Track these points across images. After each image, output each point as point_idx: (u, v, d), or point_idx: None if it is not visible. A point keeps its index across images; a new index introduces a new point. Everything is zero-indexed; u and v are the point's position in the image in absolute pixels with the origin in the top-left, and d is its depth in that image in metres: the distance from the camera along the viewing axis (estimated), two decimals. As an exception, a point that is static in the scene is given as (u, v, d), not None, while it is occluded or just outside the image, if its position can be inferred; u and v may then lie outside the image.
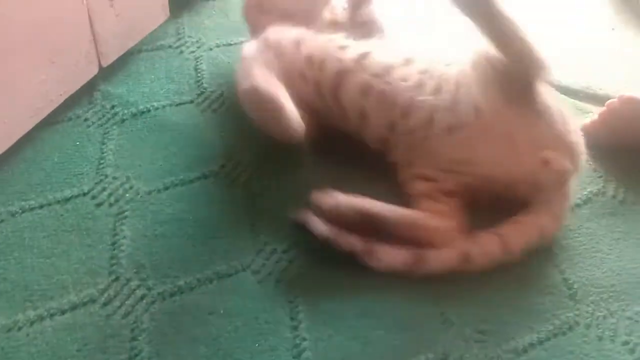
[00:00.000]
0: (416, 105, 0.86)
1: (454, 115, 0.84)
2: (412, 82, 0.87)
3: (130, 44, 1.11)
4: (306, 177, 0.93)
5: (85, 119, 1.00)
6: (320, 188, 0.83)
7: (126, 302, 0.77)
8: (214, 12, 1.26)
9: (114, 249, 0.82)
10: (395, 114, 0.87)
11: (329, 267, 0.82)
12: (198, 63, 1.13)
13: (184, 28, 1.20)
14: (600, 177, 0.95)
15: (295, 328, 0.75)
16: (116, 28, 1.05)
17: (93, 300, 0.76)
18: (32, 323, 0.74)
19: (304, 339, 0.74)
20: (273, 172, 0.94)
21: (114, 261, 0.81)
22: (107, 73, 1.07)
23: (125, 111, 1.02)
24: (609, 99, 0.97)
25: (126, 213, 0.87)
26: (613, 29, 1.26)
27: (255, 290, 0.79)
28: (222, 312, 0.76)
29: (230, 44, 1.18)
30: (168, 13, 1.18)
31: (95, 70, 1.04)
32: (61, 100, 0.99)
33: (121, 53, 1.09)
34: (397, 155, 0.90)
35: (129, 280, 0.79)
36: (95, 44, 1.01)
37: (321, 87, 0.90)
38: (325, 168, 0.94)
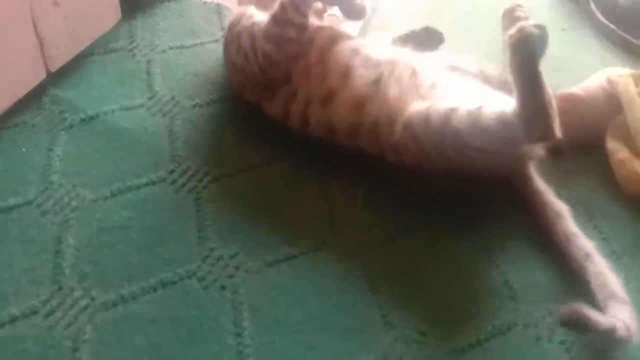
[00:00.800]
0: None
1: None
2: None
3: (81, 47, 1.09)
4: (257, 181, 0.93)
5: (33, 125, 0.99)
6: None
7: (69, 313, 0.77)
8: (168, 13, 1.25)
9: (57, 259, 0.82)
10: None
11: (274, 273, 0.82)
12: (150, 66, 1.12)
13: (137, 30, 1.19)
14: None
15: (239, 335, 0.76)
16: (64, 31, 1.03)
17: (35, 312, 0.76)
18: (-30, 336, 0.74)
19: (247, 346, 0.75)
20: (221, 177, 0.94)
21: (57, 271, 0.81)
22: (56, 77, 1.06)
23: (74, 116, 1.01)
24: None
25: (71, 221, 0.86)
26: (563, 29, 1.28)
27: (200, 298, 0.79)
28: (165, 320, 0.77)
29: (185, 46, 1.18)
30: (120, 15, 1.17)
31: (43, 75, 1.03)
32: (7, 106, 0.98)
33: (71, 56, 1.08)
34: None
35: (72, 290, 0.79)
36: (41, 48, 1.00)
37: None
38: (272, 171, 0.95)
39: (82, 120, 1.01)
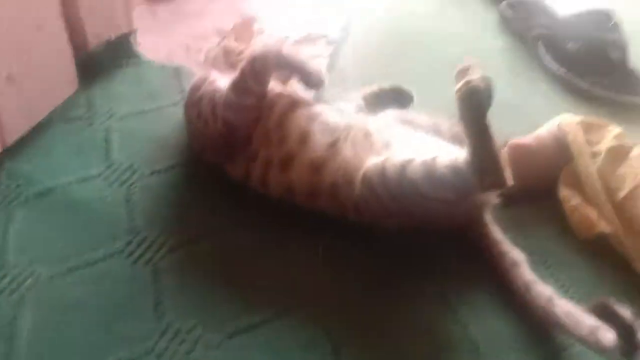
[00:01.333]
0: None
1: None
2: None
3: (37, 119, 1.10)
4: (215, 249, 0.93)
5: (-13, 202, 0.99)
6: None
7: (23, 399, 0.75)
8: (126, 79, 1.27)
9: (12, 341, 0.80)
10: None
11: (235, 345, 0.82)
12: (108, 134, 1.13)
13: (94, 98, 1.20)
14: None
15: (197, 412, 0.75)
16: (18, 105, 1.04)
17: (-13, 400, 0.74)
18: None
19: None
20: (179, 246, 0.94)
21: (12, 355, 0.79)
22: (13, 150, 1.06)
23: (30, 190, 1.01)
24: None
25: (26, 300, 0.85)
26: (517, 74, 1.32)
27: (158, 377, 0.78)
28: (122, 402, 0.75)
29: (143, 111, 1.19)
30: (77, 84, 1.18)
31: (-3, 150, 1.03)
32: (-38, 182, 0.97)
33: (27, 128, 1.08)
34: None
35: (27, 374, 0.77)
36: (-3, 125, 1.00)
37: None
38: (231, 238, 0.95)
39: (39, 195, 1.00)
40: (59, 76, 1.14)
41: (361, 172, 0.89)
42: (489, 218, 0.95)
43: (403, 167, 0.85)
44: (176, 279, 0.89)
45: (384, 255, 0.92)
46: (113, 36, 1.27)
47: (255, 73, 0.94)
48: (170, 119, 1.17)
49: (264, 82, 0.96)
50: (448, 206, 0.88)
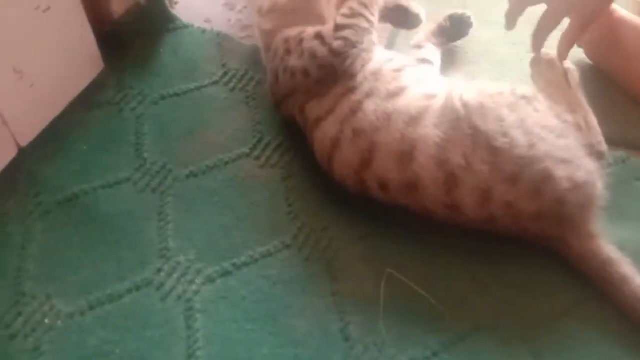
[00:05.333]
0: None
1: None
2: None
3: (56, 112, 0.95)
4: (260, 280, 0.78)
5: (4, 214, 0.86)
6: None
7: None
8: (160, 50, 1.09)
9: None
10: None
11: None
12: (139, 124, 0.97)
13: (124, 76, 1.04)
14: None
15: None
16: (32, 100, 0.89)
17: None
18: None
19: None
20: (217, 276, 0.79)
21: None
22: (29, 151, 0.92)
23: (50, 199, 0.88)
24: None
25: (43, 348, 0.74)
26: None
27: None
28: None
29: (179, 94, 1.02)
30: (102, 64, 1.01)
31: (13, 153, 0.89)
32: (-25, 194, 0.85)
33: (44, 124, 0.93)
34: None
35: None
36: (7, 125, 0.86)
37: None
38: (279, 265, 0.79)
39: (59, 204, 0.87)
40: (79, 61, 0.97)
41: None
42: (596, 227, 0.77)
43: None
44: (211, 322, 0.75)
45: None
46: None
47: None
48: (208, 103, 1.00)
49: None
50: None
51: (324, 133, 0.84)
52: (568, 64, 0.88)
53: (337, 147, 0.82)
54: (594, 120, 0.82)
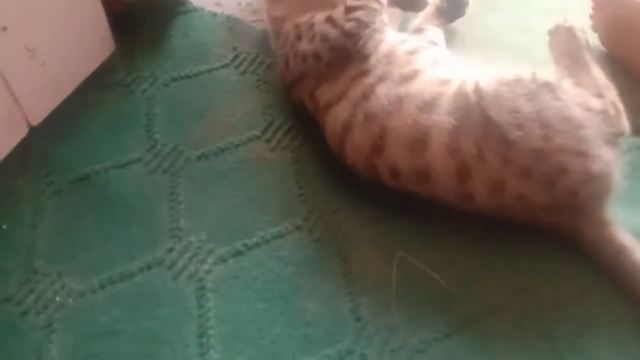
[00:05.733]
0: None
1: None
2: None
3: (67, 91, 0.95)
4: (270, 261, 0.78)
5: (16, 193, 0.86)
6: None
7: None
8: (171, 33, 1.08)
9: (36, 379, 0.70)
10: None
11: None
12: (150, 106, 0.97)
13: (135, 58, 1.04)
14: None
15: None
16: (43, 79, 0.89)
17: None
18: None
19: None
20: (228, 256, 0.79)
21: (36, 395, 0.69)
22: (41, 130, 0.92)
23: (61, 179, 0.88)
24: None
25: (55, 325, 0.74)
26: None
27: None
28: None
29: (189, 76, 1.01)
30: (113, 45, 1.01)
31: (24, 132, 0.89)
32: (-15, 171, 0.85)
33: (56, 103, 0.93)
34: None
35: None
36: (18, 104, 0.86)
37: None
38: (289, 246, 0.79)
39: (71, 183, 0.87)
40: (90, 41, 0.97)
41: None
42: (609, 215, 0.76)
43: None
44: (223, 301, 0.75)
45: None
46: (155, -19, 1.08)
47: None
48: (219, 86, 1.00)
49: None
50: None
51: (336, 117, 0.83)
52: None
53: (348, 131, 0.82)
54: (619, 102, 0.81)
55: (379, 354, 0.70)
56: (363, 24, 0.84)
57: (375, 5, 0.86)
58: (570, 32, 0.87)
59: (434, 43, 0.95)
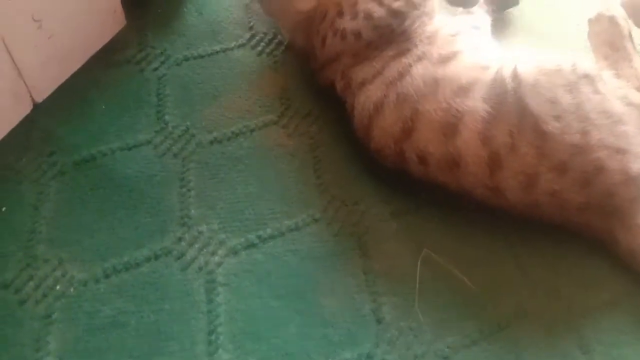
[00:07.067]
0: None
1: None
2: None
3: (74, 67, 0.90)
4: (284, 253, 0.73)
5: (18, 172, 0.81)
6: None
7: None
8: (185, 10, 1.03)
9: (34, 371, 0.65)
10: None
11: None
12: (161, 86, 0.92)
13: (146, 34, 0.98)
14: None
15: None
16: (50, 53, 0.84)
17: None
18: None
19: None
20: (240, 248, 0.74)
21: (32, 389, 0.64)
22: (45, 107, 0.87)
23: (66, 159, 0.83)
24: None
25: (54, 315, 0.69)
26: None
27: None
28: None
29: (203, 56, 0.96)
30: (124, 21, 0.95)
31: (28, 109, 0.84)
32: (-14, 148, 0.80)
33: (62, 79, 0.88)
34: None
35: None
36: (22, 79, 0.81)
37: None
38: (306, 239, 0.74)
39: (76, 164, 0.82)
40: (101, 14, 0.91)
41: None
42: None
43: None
44: (234, 296, 0.70)
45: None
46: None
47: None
48: (234, 67, 0.95)
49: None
50: None
51: (368, 96, 0.79)
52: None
53: (379, 112, 0.77)
54: None
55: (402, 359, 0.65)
56: (412, 4, 0.80)
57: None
58: (612, 21, 0.82)
59: (477, 28, 0.90)
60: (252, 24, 1.01)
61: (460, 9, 0.93)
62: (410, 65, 0.77)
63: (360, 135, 0.80)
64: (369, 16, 0.81)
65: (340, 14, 0.84)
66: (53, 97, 0.87)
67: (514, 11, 1.00)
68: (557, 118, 0.69)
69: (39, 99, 0.85)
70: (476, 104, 0.72)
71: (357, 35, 0.81)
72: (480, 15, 0.94)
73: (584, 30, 0.87)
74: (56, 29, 0.83)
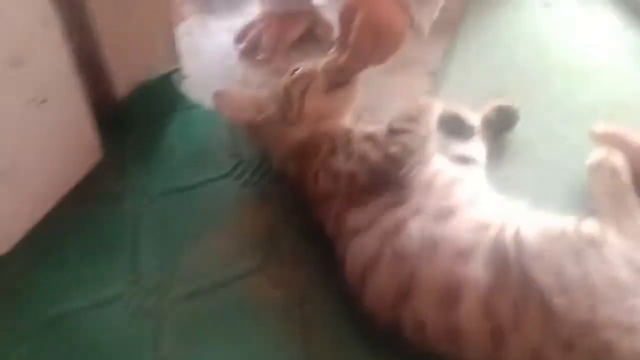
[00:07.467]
0: None
1: None
2: None
3: (46, 209, 0.84)
4: None
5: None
6: None
7: None
8: (166, 132, 0.98)
9: None
10: None
11: None
12: (137, 226, 0.85)
13: (125, 167, 0.93)
14: None
15: None
16: (17, 204, 0.78)
17: None
18: None
19: None
20: None
21: None
22: (11, 260, 0.80)
23: (28, 323, 0.75)
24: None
25: None
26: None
27: None
28: None
29: (185, 189, 0.90)
30: (100, 154, 0.90)
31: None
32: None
33: (29, 227, 0.82)
34: None
35: None
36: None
37: None
38: None
39: (39, 326, 0.75)
40: (74, 151, 0.86)
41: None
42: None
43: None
44: None
45: None
46: (150, 77, 0.97)
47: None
48: (216, 201, 0.89)
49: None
50: None
51: (362, 248, 0.73)
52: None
53: (373, 269, 0.71)
54: None
55: None
56: (408, 151, 0.75)
57: (423, 132, 0.77)
58: (612, 172, 0.78)
59: (471, 160, 0.86)
60: (236, 149, 0.96)
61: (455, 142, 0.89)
62: (407, 220, 0.71)
63: (352, 288, 0.74)
64: (364, 158, 0.76)
65: (333, 151, 0.79)
66: (17, 249, 0.81)
67: (509, 135, 0.95)
68: (563, 292, 0.63)
69: (1, 251, 0.79)
70: (477, 273, 0.66)
71: (352, 178, 0.76)
72: (476, 145, 0.89)
73: (582, 152, 0.83)
74: (24, 180, 0.77)
